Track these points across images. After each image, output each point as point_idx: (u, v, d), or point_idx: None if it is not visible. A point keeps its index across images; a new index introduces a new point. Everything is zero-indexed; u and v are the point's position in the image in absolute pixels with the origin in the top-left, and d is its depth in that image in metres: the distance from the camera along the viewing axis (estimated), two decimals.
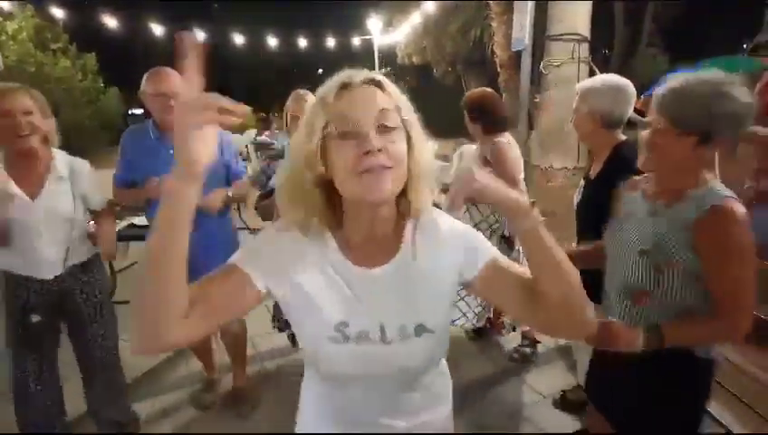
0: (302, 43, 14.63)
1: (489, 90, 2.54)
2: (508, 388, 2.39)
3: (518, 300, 0.79)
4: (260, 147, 8.58)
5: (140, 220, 2.76)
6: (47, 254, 1.72)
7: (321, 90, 0.75)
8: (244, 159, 6.35)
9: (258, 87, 21.29)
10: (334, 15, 17.07)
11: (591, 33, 6.89)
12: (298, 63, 19.45)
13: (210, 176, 1.99)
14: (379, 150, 0.69)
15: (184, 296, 0.68)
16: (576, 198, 1.88)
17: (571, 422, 2.09)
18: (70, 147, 1.85)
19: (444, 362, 0.96)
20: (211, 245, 1.73)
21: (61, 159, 1.78)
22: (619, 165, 1.63)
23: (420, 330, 0.80)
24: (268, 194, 2.55)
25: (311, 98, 2.36)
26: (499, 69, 10.25)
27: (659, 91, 1.14)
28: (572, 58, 6.62)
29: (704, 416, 1.28)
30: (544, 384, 2.38)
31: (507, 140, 2.35)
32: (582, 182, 1.86)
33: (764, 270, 2.67)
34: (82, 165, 1.84)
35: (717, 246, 1.07)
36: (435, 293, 0.82)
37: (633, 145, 1.69)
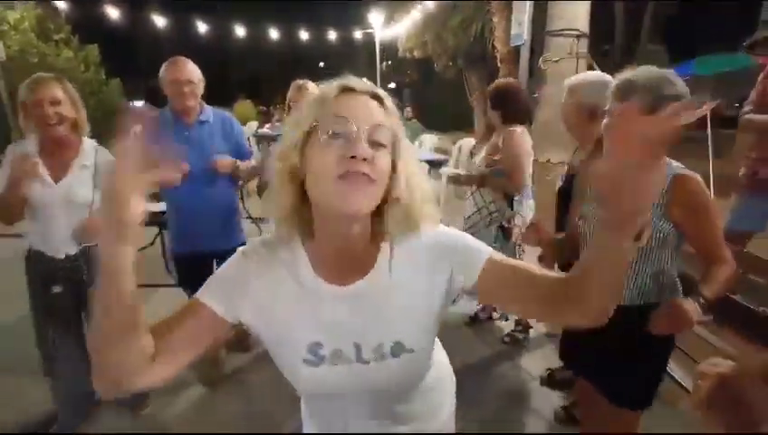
0: (304, 36, 14.66)
1: (514, 80, 2.62)
2: (501, 369, 2.52)
3: (529, 298, 0.75)
4: (261, 138, 8.67)
5: (149, 206, 2.86)
6: (62, 234, 1.83)
7: (322, 86, 0.74)
8: None
9: (259, 79, 21.29)
10: (336, 9, 17.06)
11: (591, 29, 6.95)
12: (299, 56, 19.44)
13: (222, 156, 2.17)
14: (365, 160, 0.66)
15: (146, 342, 0.67)
16: (558, 183, 1.99)
17: (557, 399, 2.21)
18: None
19: (443, 369, 0.98)
20: (216, 204, 2.21)
21: (88, 147, 1.88)
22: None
23: (398, 349, 0.77)
24: None
25: (311, 86, 2.45)
26: (499, 64, 10.28)
27: (613, 83, 1.30)
28: (571, 54, 6.70)
29: (665, 369, 1.44)
30: (534, 366, 2.50)
31: (522, 130, 2.39)
32: (566, 169, 1.97)
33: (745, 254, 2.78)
34: (106, 155, 1.93)
35: (691, 208, 1.24)
36: (414, 312, 0.79)
37: None
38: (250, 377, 2.48)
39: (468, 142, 6.87)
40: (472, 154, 2.97)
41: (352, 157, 0.65)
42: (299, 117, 0.72)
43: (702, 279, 1.27)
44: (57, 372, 1.96)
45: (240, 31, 14.08)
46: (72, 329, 1.96)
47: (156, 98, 2.42)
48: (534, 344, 2.73)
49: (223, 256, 2.41)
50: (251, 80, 21.11)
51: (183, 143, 2.09)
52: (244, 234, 2.40)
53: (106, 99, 13.44)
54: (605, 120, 1.34)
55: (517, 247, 2.48)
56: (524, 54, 4.64)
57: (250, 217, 5.11)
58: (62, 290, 1.88)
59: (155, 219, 2.80)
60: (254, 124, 10.58)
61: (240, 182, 2.47)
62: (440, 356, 1.00)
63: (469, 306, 3.00)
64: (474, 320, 2.98)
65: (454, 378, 1.03)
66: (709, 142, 5.35)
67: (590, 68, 6.33)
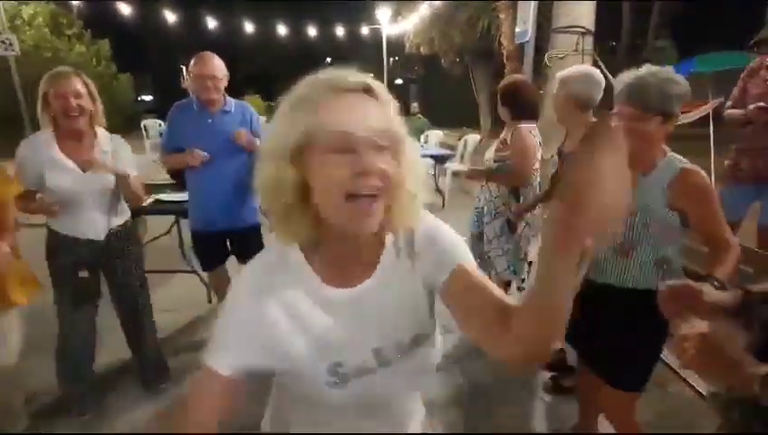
0: (312, 32, 14.77)
1: (523, 77, 2.68)
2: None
3: (482, 317, 0.70)
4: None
5: (166, 196, 3.00)
6: (96, 218, 1.96)
7: (304, 87, 0.66)
8: None
9: (268, 75, 21.42)
10: (343, 5, 17.12)
11: (598, 26, 7.01)
12: (307, 52, 19.57)
13: (241, 146, 2.31)
14: (372, 173, 0.61)
15: None
16: (550, 170, 2.11)
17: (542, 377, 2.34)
18: None
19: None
20: (234, 186, 2.34)
21: (103, 136, 2.00)
22: None
23: (417, 339, 0.76)
24: None
25: None
26: (506, 60, 10.33)
27: (619, 87, 1.38)
28: (576, 51, 6.76)
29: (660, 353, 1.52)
30: None
31: (530, 127, 2.45)
32: (556, 157, 2.08)
33: None
34: (121, 141, 2.07)
35: (697, 198, 1.33)
36: (422, 298, 0.77)
37: None
38: None
39: (474, 138, 6.97)
40: (476, 150, 3.08)
41: (359, 173, 0.60)
42: (285, 122, 0.65)
43: (711, 264, 1.30)
44: (66, 352, 2.08)
45: (249, 27, 14.23)
46: (88, 312, 2.09)
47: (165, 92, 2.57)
48: None
49: (238, 234, 2.52)
50: (259, 75, 21.24)
51: (206, 129, 2.29)
52: (258, 215, 2.53)
53: (116, 93, 13.67)
54: (613, 123, 1.40)
55: (523, 240, 2.57)
56: (529, 51, 4.73)
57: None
58: (88, 274, 2.00)
59: (172, 208, 2.94)
60: (262, 119, 10.69)
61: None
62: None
63: None
64: None
65: None
66: (711, 139, 5.42)
67: (595, 65, 6.40)
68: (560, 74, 1.98)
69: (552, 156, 6.07)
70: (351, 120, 0.61)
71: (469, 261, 0.75)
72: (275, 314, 0.70)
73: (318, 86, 0.64)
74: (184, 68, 11.73)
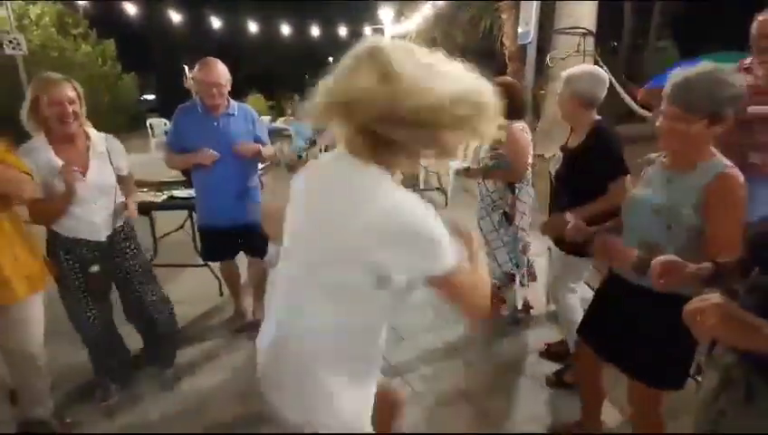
0: (315, 32, 14.85)
1: (512, 79, 2.83)
2: (506, 343, 2.76)
3: None
4: (271, 133, 8.88)
5: (179, 193, 3.10)
6: (100, 219, 1.99)
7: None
8: None
9: (270, 75, 21.51)
10: (346, 5, 17.20)
11: (599, 27, 7.10)
12: (310, 52, 19.66)
13: (246, 142, 2.44)
14: None
15: None
16: (553, 167, 2.19)
17: (552, 367, 2.43)
18: None
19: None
20: (239, 184, 2.48)
21: (96, 136, 2.03)
22: (600, 139, 1.97)
23: None
24: None
25: None
26: (508, 61, 10.41)
27: (667, 86, 1.34)
28: (578, 51, 6.85)
29: (694, 356, 1.50)
30: (534, 340, 2.75)
31: (521, 126, 2.59)
32: (560, 154, 2.16)
33: None
34: (115, 141, 2.11)
35: (721, 204, 1.30)
36: None
37: (608, 123, 2.03)
38: None
39: None
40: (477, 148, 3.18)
41: None
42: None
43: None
44: (97, 342, 2.16)
45: (253, 27, 14.32)
46: (106, 304, 2.18)
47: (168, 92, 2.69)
48: (535, 322, 2.94)
49: (243, 230, 2.60)
50: (262, 75, 21.32)
51: (211, 132, 2.39)
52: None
53: (121, 93, 13.78)
54: (658, 121, 1.40)
55: (520, 231, 2.68)
56: (531, 52, 4.81)
57: None
58: (99, 269, 2.03)
59: (184, 203, 3.04)
60: (266, 119, 10.81)
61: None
62: None
63: None
64: None
65: None
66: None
67: (596, 65, 6.52)
68: (565, 73, 2.06)
69: (553, 154, 6.17)
70: None
71: None
72: None
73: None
74: (186, 68, 11.85)
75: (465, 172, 2.86)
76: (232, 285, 2.90)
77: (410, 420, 1.78)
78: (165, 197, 3.09)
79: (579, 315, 2.05)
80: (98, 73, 12.08)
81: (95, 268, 2.02)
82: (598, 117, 2.05)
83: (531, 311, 2.99)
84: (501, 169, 2.62)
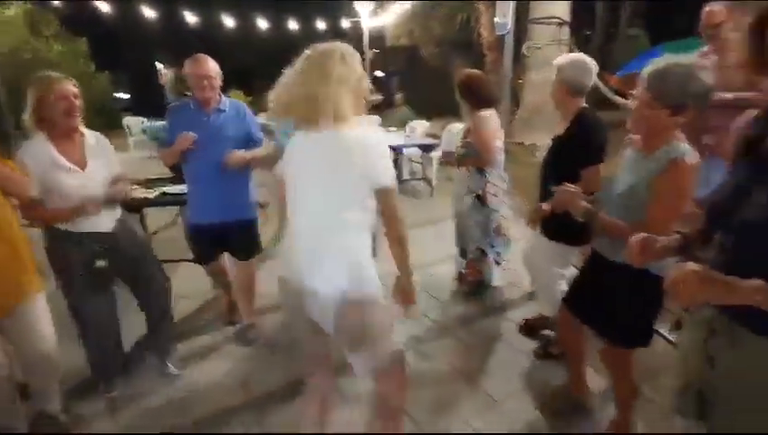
0: (293, 25, 14.75)
1: (477, 71, 2.97)
2: (490, 319, 2.94)
3: None
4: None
5: (171, 189, 3.15)
6: (103, 212, 2.03)
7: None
8: None
9: (249, 70, 21.25)
10: None
11: (573, 16, 7.27)
12: (288, 46, 19.49)
13: (236, 143, 2.45)
14: None
15: None
16: (542, 154, 2.33)
17: (530, 342, 2.62)
18: None
19: None
20: (230, 181, 2.45)
21: (90, 134, 2.08)
22: (581, 126, 2.08)
23: None
24: None
25: None
26: (486, 51, 10.55)
27: (644, 72, 1.44)
28: (554, 41, 7.02)
29: (654, 322, 1.70)
30: (516, 316, 2.93)
31: (489, 114, 2.77)
32: (550, 142, 2.29)
33: None
34: (104, 139, 2.16)
35: (664, 186, 1.44)
36: None
37: (592, 111, 2.13)
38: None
39: (457, 127, 7.15)
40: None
41: None
42: None
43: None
44: (93, 335, 2.19)
45: (229, 22, 14.14)
46: (109, 296, 2.21)
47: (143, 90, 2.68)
48: (519, 301, 3.12)
49: (234, 228, 2.56)
50: (241, 70, 21.05)
51: (203, 127, 2.39)
52: (255, 209, 2.68)
53: (96, 92, 13.47)
54: (630, 102, 1.52)
55: (493, 212, 2.87)
56: (509, 42, 4.96)
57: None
58: (105, 263, 2.07)
59: (178, 200, 3.08)
60: None
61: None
62: None
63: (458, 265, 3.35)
64: (460, 279, 3.31)
65: None
66: None
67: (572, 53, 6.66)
68: (556, 61, 2.15)
69: (532, 143, 6.32)
70: None
71: None
72: None
73: None
74: (161, 65, 11.64)
75: (440, 159, 3.05)
76: (221, 281, 2.91)
77: (411, 399, 1.88)
78: (157, 193, 3.13)
79: (560, 297, 2.18)
80: (73, 73, 11.79)
81: (101, 263, 2.06)
82: (585, 105, 2.13)
83: (514, 290, 3.16)
84: (470, 156, 2.82)
